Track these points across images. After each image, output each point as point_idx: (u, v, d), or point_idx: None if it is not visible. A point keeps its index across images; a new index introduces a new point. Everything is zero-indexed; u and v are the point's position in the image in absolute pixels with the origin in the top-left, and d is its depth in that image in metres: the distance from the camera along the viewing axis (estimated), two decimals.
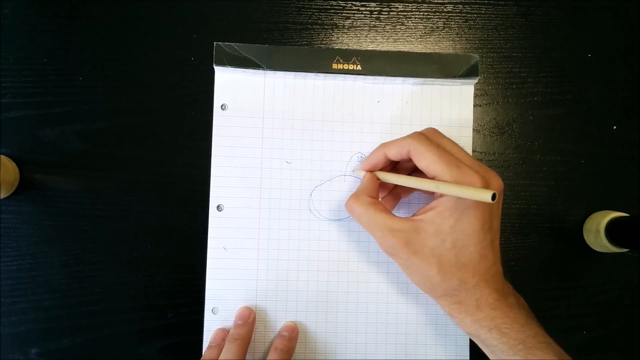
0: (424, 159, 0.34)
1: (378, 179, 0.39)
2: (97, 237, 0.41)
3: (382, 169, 0.39)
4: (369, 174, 0.39)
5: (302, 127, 0.42)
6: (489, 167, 0.36)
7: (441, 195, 0.34)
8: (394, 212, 0.41)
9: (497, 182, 0.34)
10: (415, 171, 0.39)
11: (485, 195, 0.29)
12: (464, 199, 0.33)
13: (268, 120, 0.42)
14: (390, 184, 0.40)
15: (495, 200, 0.29)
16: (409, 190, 0.41)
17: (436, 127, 0.38)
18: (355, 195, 0.37)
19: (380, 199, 0.39)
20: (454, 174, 0.33)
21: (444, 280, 0.34)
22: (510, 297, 0.35)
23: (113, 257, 0.41)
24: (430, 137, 0.36)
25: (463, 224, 0.33)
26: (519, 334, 0.33)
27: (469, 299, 0.34)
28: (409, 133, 0.43)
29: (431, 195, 0.39)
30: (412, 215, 0.36)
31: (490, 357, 0.35)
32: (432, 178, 0.34)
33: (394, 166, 0.40)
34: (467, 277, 0.34)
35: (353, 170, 0.42)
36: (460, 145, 0.37)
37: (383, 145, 0.38)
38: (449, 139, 0.37)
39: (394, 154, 0.37)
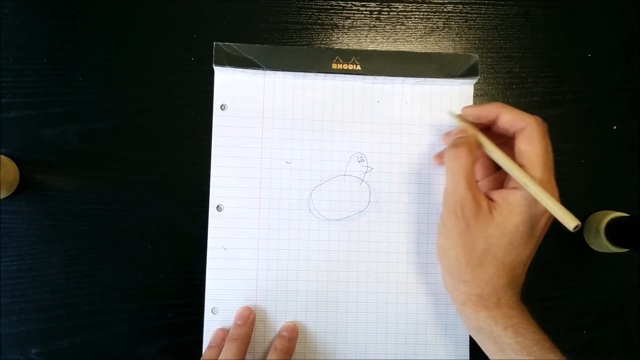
0: (532, 145, 0.34)
1: (478, 143, 0.37)
2: (97, 237, 0.41)
3: (476, 125, 0.38)
4: (472, 135, 0.37)
5: (301, 127, 0.42)
6: None
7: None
8: None
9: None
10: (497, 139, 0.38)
11: (571, 222, 0.30)
12: (537, 202, 0.33)
13: (268, 121, 0.42)
14: (489, 172, 0.39)
15: (575, 230, 0.30)
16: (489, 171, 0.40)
17: (436, 127, 0.38)
18: (456, 145, 0.36)
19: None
20: (544, 177, 0.33)
21: (480, 266, 0.35)
22: (524, 306, 0.36)
23: (113, 257, 0.41)
24: (545, 131, 0.35)
25: (527, 227, 0.34)
26: (535, 335, 0.33)
27: (491, 295, 0.35)
28: (408, 133, 0.43)
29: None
30: (494, 192, 0.36)
31: (494, 355, 0.35)
32: (522, 166, 0.34)
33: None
34: (502, 275, 0.35)
35: (450, 113, 0.40)
36: None
37: (502, 105, 0.37)
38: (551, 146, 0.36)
39: (508, 121, 0.36)
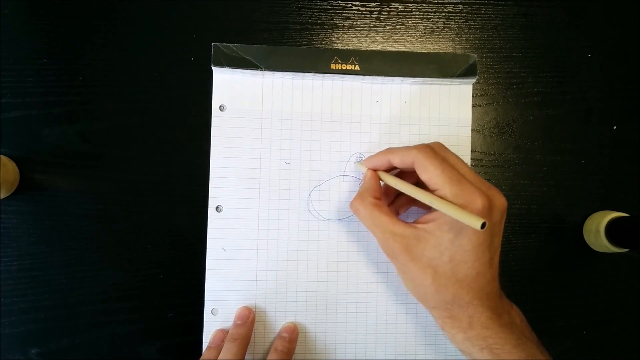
0: (427, 172, 0.34)
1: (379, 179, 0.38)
2: (97, 237, 0.41)
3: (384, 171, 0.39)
4: (371, 172, 0.38)
5: (300, 127, 0.42)
6: (492, 185, 0.35)
7: None
8: None
9: (500, 200, 0.34)
10: (418, 182, 0.39)
11: (475, 222, 0.29)
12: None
13: (266, 121, 0.42)
14: (390, 196, 0.40)
15: (484, 228, 0.29)
16: (406, 206, 0.41)
17: (435, 127, 0.38)
18: (360, 196, 0.37)
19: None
20: (455, 190, 0.32)
21: (438, 292, 0.34)
22: (504, 315, 0.35)
23: (113, 257, 0.41)
24: (436, 150, 0.35)
25: (462, 239, 0.33)
26: (510, 355, 0.33)
27: (462, 315, 0.34)
28: (407, 133, 0.43)
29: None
30: (415, 221, 0.36)
31: None
32: (434, 190, 0.34)
33: (396, 173, 0.40)
34: (462, 293, 0.34)
35: (354, 162, 0.42)
36: (460, 144, 0.36)
37: (389, 150, 0.37)
38: (455, 155, 0.36)
39: (398, 162, 0.36)
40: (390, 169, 0.39)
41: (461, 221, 0.30)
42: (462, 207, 0.32)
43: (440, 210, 0.32)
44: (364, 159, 0.42)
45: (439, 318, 0.36)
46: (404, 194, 0.37)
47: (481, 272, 0.34)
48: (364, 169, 0.39)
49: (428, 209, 0.38)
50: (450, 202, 0.32)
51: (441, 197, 0.33)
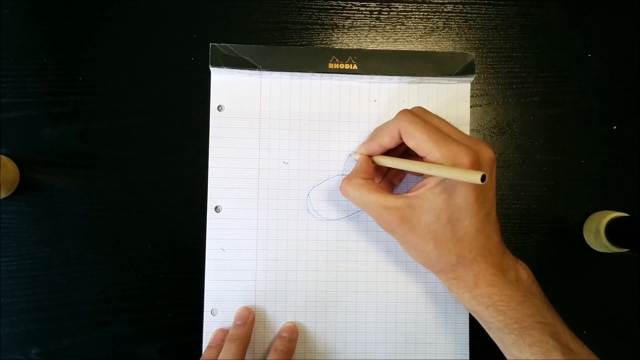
0: (413, 139, 0.34)
1: (373, 161, 0.39)
2: (97, 237, 0.41)
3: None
4: (363, 155, 0.39)
5: (299, 127, 0.42)
6: (478, 139, 0.36)
7: None
8: None
9: (487, 153, 0.34)
10: (407, 152, 0.39)
11: (475, 177, 0.29)
12: None
13: (265, 121, 0.42)
14: (383, 169, 0.40)
15: (485, 180, 0.29)
16: (400, 175, 0.41)
17: None
18: (348, 178, 0.37)
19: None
20: (442, 151, 0.32)
21: (441, 255, 0.34)
22: (510, 272, 0.35)
23: (113, 257, 0.41)
24: (418, 115, 0.35)
25: (456, 198, 0.33)
26: (516, 312, 0.33)
27: (467, 275, 0.35)
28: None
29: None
30: (407, 192, 0.36)
31: (488, 333, 0.36)
32: (422, 157, 0.34)
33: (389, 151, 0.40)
34: (464, 252, 0.34)
35: (350, 154, 0.42)
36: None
37: (375, 133, 0.38)
38: (436, 116, 0.36)
39: (388, 141, 0.36)
40: (386, 151, 0.39)
41: (461, 180, 0.30)
42: (452, 167, 0.32)
43: (436, 175, 0.32)
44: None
45: (446, 280, 0.36)
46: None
47: (480, 228, 0.34)
48: (358, 156, 0.39)
49: (422, 175, 0.38)
50: (443, 164, 0.32)
51: (433, 162, 0.33)
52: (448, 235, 0.34)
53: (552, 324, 0.33)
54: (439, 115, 0.37)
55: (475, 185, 0.33)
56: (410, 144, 0.35)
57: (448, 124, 0.36)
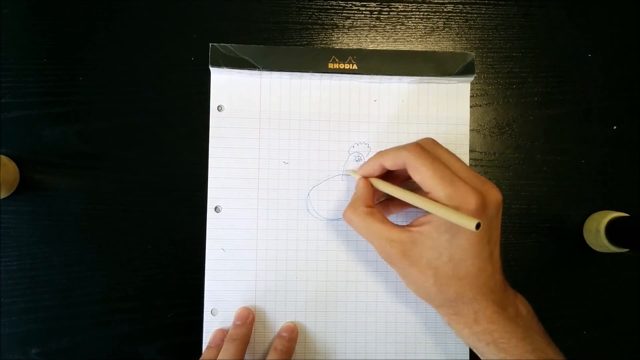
0: (418, 173, 0.33)
1: (372, 185, 0.38)
2: (97, 237, 0.41)
3: (379, 176, 0.38)
4: (364, 180, 0.38)
5: (298, 127, 0.42)
6: (487, 178, 0.35)
7: None
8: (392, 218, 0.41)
9: (494, 195, 0.34)
10: (410, 179, 0.38)
11: (470, 223, 0.29)
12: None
13: (265, 121, 0.42)
14: (382, 193, 0.40)
15: (479, 229, 0.29)
16: (401, 205, 0.41)
17: (433, 125, 0.37)
18: (352, 206, 0.37)
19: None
20: (447, 191, 0.32)
21: (441, 292, 0.34)
22: (510, 308, 0.35)
23: (113, 257, 0.41)
24: (427, 149, 0.35)
25: (460, 238, 0.33)
26: (517, 349, 0.33)
27: (467, 311, 0.34)
28: (405, 132, 0.42)
29: None
30: (410, 225, 0.35)
31: None
32: (427, 192, 0.34)
33: (390, 172, 0.40)
34: (464, 290, 0.34)
35: (345, 170, 0.42)
36: (458, 142, 0.36)
37: (380, 154, 0.37)
38: (446, 150, 0.36)
39: (390, 165, 0.36)
40: (384, 173, 0.38)
41: (456, 223, 0.30)
42: (456, 208, 0.32)
43: (434, 214, 0.32)
44: (362, 158, 0.42)
45: (445, 315, 0.36)
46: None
47: (482, 267, 0.34)
48: (357, 177, 0.39)
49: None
50: (444, 204, 0.32)
51: (434, 200, 0.32)
52: (449, 273, 0.34)
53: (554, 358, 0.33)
54: (448, 149, 0.36)
55: (479, 231, 0.32)
56: (416, 178, 0.34)
57: (458, 159, 0.35)
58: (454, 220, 0.30)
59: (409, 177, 0.37)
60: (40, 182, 0.41)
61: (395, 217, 0.42)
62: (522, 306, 0.36)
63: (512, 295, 0.36)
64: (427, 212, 0.34)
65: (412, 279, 0.35)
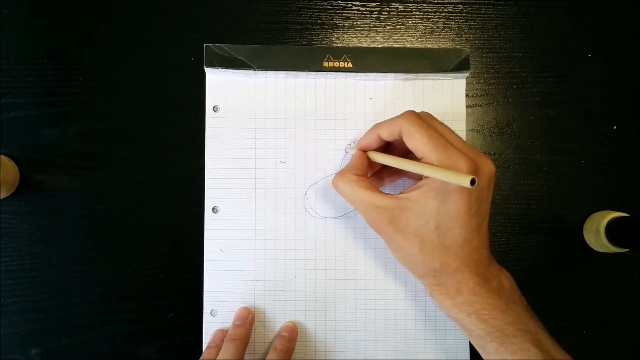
0: (413, 140, 0.34)
1: (368, 157, 0.38)
2: (97, 237, 0.41)
3: (377, 149, 0.39)
4: (358, 151, 0.39)
5: (294, 126, 0.42)
6: (481, 151, 0.35)
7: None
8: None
9: (487, 166, 0.34)
10: (408, 154, 0.38)
11: (464, 180, 0.28)
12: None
13: (261, 121, 0.42)
14: (376, 166, 0.40)
15: (475, 185, 0.28)
16: (394, 174, 0.41)
17: None
18: (341, 173, 0.37)
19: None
20: (440, 156, 0.32)
21: (425, 261, 0.34)
22: (493, 281, 0.34)
23: (113, 257, 0.41)
24: (424, 118, 0.35)
25: (447, 206, 0.33)
26: (497, 320, 0.33)
27: (450, 282, 0.34)
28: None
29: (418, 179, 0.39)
30: (399, 193, 0.35)
31: (470, 340, 0.36)
32: (420, 158, 0.34)
33: (387, 146, 0.40)
34: (449, 260, 0.34)
35: (345, 149, 0.42)
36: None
37: (376, 126, 0.37)
38: (442, 123, 0.36)
39: (387, 134, 0.36)
40: (382, 146, 0.38)
41: (450, 181, 0.30)
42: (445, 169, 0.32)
43: (427, 175, 0.32)
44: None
45: (428, 285, 0.36)
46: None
47: (468, 239, 0.34)
48: (354, 152, 0.39)
49: (418, 179, 0.37)
50: (436, 166, 0.32)
51: (428, 164, 0.33)
52: (434, 241, 0.34)
53: (534, 332, 0.33)
54: (436, 113, 0.36)
55: (469, 196, 0.33)
56: (410, 144, 0.34)
57: (453, 132, 0.36)
58: (448, 179, 0.30)
59: (406, 153, 0.37)
60: (40, 182, 0.41)
61: (387, 191, 0.42)
62: (506, 280, 0.35)
63: (497, 269, 0.36)
64: (417, 183, 0.34)
65: (397, 247, 0.35)
